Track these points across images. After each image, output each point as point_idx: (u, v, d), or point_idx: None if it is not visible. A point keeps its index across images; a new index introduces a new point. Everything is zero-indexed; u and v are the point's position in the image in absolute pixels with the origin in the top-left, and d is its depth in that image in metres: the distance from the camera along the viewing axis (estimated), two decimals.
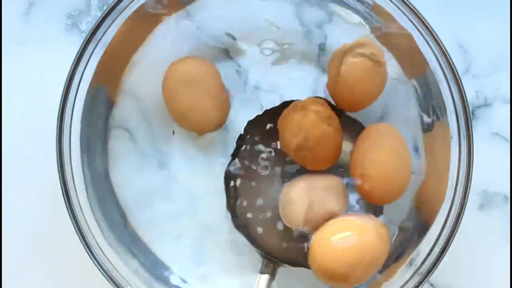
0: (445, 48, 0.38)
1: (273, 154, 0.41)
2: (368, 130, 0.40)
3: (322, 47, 0.42)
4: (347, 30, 0.41)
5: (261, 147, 0.41)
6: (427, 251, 0.39)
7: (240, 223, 0.41)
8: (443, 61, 0.38)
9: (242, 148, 0.41)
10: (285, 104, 0.40)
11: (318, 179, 0.40)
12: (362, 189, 0.39)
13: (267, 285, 0.40)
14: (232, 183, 0.41)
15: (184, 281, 0.42)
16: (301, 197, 0.39)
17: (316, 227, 0.39)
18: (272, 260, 0.41)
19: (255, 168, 0.41)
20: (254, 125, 0.41)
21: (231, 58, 0.42)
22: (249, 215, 0.41)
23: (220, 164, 0.42)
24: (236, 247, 0.42)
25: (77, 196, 0.39)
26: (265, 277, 0.40)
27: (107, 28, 0.39)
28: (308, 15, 0.42)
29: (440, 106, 0.39)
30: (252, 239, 0.41)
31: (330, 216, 0.39)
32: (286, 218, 0.40)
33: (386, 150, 0.39)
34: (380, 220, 0.40)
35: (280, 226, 0.41)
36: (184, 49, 0.42)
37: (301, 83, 0.42)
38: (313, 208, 0.39)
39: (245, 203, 0.41)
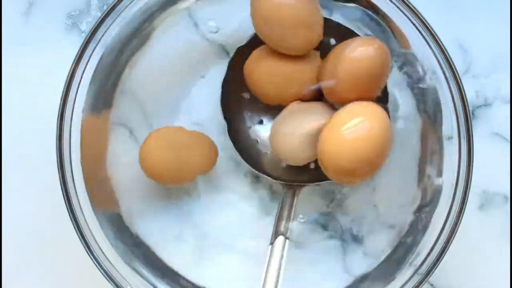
0: (445, 48, 0.38)
1: None
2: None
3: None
4: None
5: None
6: (427, 251, 0.39)
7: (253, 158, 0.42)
8: (443, 61, 0.38)
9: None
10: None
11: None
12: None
13: (283, 246, 0.40)
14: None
15: (185, 280, 0.42)
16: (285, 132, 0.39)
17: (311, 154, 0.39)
18: (292, 185, 0.41)
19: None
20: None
21: (228, 56, 0.42)
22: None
23: (221, 163, 0.42)
24: (239, 246, 0.42)
25: (77, 196, 0.39)
26: (281, 239, 0.40)
27: (107, 28, 0.39)
28: None
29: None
30: (270, 171, 0.42)
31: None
32: (281, 156, 0.40)
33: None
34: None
35: None
36: (183, 47, 0.42)
37: None
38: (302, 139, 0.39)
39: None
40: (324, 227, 0.43)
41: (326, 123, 0.38)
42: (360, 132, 0.37)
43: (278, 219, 0.40)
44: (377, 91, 0.39)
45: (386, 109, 0.40)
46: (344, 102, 0.38)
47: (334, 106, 0.40)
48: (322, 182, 0.41)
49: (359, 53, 0.37)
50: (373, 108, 0.38)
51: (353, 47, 0.38)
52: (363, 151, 0.36)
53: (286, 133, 0.39)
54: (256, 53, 0.40)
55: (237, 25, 0.42)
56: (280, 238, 0.40)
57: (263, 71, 0.39)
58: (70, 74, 0.38)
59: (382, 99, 0.40)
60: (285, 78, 0.39)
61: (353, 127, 0.37)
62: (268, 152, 0.42)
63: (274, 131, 0.40)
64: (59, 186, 0.39)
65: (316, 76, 0.39)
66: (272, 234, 0.40)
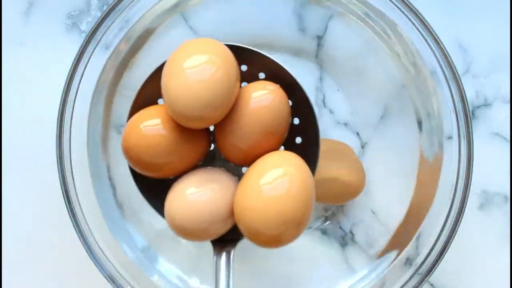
0: (445, 48, 0.38)
1: None
2: None
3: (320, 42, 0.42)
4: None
5: None
6: (427, 251, 0.39)
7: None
8: (443, 61, 0.38)
9: None
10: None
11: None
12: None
13: (226, 264, 0.37)
14: None
15: (184, 281, 0.42)
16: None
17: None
18: (226, 243, 0.37)
19: None
20: None
21: None
22: None
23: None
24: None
25: (77, 196, 0.39)
26: (223, 257, 0.37)
27: (107, 28, 0.39)
28: (308, 14, 0.42)
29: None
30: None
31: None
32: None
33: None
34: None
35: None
36: None
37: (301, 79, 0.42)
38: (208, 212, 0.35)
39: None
40: (324, 231, 0.43)
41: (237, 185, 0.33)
42: (280, 189, 0.31)
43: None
44: (280, 139, 0.35)
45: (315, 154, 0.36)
46: (250, 159, 0.34)
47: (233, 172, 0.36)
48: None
49: (258, 99, 0.34)
50: (291, 158, 0.32)
51: (251, 95, 0.34)
52: (286, 212, 0.31)
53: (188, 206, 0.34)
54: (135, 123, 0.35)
55: (230, 29, 0.42)
56: (223, 256, 0.36)
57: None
58: (70, 74, 0.38)
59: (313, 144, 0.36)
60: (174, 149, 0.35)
61: (272, 183, 0.31)
62: None
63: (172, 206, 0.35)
64: (59, 186, 0.39)
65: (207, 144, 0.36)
66: None
